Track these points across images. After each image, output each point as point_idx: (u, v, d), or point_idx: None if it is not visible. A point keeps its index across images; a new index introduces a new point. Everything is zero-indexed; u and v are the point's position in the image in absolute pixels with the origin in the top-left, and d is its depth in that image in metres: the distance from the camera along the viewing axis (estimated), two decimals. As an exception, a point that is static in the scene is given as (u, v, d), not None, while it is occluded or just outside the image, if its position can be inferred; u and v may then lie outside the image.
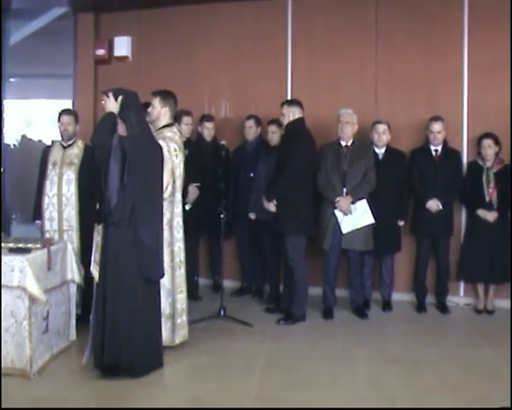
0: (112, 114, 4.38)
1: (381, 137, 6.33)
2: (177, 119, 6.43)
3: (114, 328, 4.32)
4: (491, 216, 6.17)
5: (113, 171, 4.25)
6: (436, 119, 6.29)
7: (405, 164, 6.44)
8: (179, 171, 4.95)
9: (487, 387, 4.36)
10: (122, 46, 7.59)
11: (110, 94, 4.42)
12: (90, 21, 7.65)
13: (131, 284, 4.33)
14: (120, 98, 4.39)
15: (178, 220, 4.98)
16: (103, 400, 4.11)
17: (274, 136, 6.51)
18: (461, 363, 4.87)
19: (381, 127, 6.33)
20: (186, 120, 6.59)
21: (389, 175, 6.23)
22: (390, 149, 6.40)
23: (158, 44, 7.55)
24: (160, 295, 4.65)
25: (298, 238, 5.86)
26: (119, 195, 4.23)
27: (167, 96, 5.12)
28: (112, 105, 4.40)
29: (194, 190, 6.38)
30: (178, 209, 4.98)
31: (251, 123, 6.79)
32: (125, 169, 4.24)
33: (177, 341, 5.01)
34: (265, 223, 6.20)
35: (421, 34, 6.80)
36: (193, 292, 6.54)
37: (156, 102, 5.05)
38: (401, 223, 6.44)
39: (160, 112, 5.04)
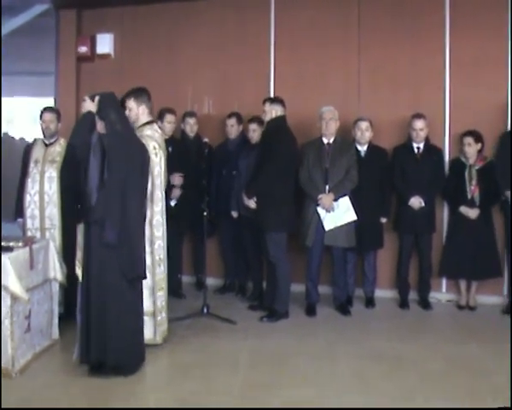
0: (89, 112, 4.41)
1: (364, 134, 6.35)
2: (160, 116, 6.44)
3: (99, 326, 4.33)
4: (473, 213, 6.21)
5: (93, 168, 4.24)
6: (418, 116, 6.33)
7: (388, 161, 6.47)
8: (158, 169, 4.93)
9: (471, 382, 4.40)
10: (104, 43, 7.57)
11: (86, 97, 4.47)
12: (72, 18, 7.61)
13: (114, 283, 4.33)
14: (97, 98, 4.40)
15: (158, 218, 4.96)
16: (87, 399, 4.10)
17: (255, 134, 6.48)
18: (444, 359, 4.91)
19: (364, 124, 6.36)
20: (169, 118, 6.58)
21: (371, 172, 6.26)
22: (372, 147, 6.43)
23: (141, 42, 7.52)
24: (142, 294, 4.65)
25: (278, 235, 5.87)
26: (99, 192, 4.21)
27: (140, 93, 5.09)
28: (89, 106, 4.42)
29: (178, 179, 6.39)
30: (158, 207, 4.95)
31: (232, 121, 6.78)
32: (104, 166, 4.23)
33: (158, 337, 5.02)
34: (248, 220, 6.20)
35: (403, 32, 6.82)
36: (176, 290, 6.55)
37: (131, 103, 5.01)
38: (384, 220, 6.47)
39: (137, 112, 5.01)
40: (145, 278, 4.62)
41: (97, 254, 4.31)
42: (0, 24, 7.39)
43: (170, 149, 6.09)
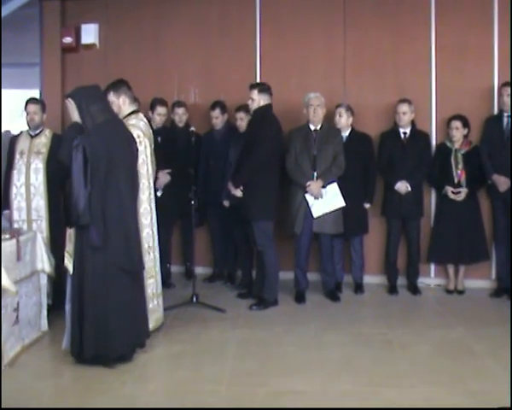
0: (75, 123, 4.39)
1: (339, 120, 6.40)
2: (151, 107, 6.46)
3: (94, 320, 4.31)
4: (456, 194, 6.25)
5: (76, 171, 4.20)
6: (403, 100, 6.38)
7: (371, 146, 6.50)
8: (144, 157, 4.89)
9: (460, 366, 4.42)
10: (89, 34, 7.49)
11: (70, 100, 4.42)
12: (56, 9, 7.52)
13: (110, 276, 4.32)
14: (74, 103, 4.38)
15: (146, 207, 4.93)
16: (75, 389, 4.09)
17: (242, 122, 6.49)
18: (433, 343, 4.93)
19: (338, 110, 6.44)
20: (159, 109, 6.59)
21: (353, 157, 6.22)
22: (354, 132, 6.46)
23: (125, 31, 7.46)
24: (143, 283, 4.70)
25: (264, 223, 5.86)
26: (85, 197, 4.18)
27: (118, 85, 5.05)
28: (75, 113, 4.40)
29: (164, 176, 6.35)
30: (145, 196, 4.91)
31: (216, 113, 6.77)
32: (87, 169, 4.19)
33: (151, 325, 4.97)
34: (237, 209, 6.19)
35: (389, 18, 6.82)
36: (165, 279, 6.52)
37: (111, 96, 4.96)
38: (367, 205, 6.50)
39: (118, 104, 4.96)
40: (144, 268, 4.65)
41: (91, 251, 4.27)
42: (0, 17, 7.32)
43: (159, 139, 6.15)
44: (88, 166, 4.17)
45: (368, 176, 6.43)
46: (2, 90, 7.62)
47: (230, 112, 6.80)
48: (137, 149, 4.70)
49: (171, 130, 6.82)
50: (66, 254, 4.52)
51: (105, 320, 4.33)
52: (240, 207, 6.00)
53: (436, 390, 4.01)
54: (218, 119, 6.77)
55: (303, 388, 4.09)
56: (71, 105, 4.41)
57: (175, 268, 7.18)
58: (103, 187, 4.24)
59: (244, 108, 6.40)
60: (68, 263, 4.48)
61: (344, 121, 6.39)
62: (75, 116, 4.40)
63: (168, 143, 6.51)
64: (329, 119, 6.41)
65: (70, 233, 4.48)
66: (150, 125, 6.18)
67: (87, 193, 4.16)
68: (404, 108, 6.33)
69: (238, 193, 5.93)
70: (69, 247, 4.50)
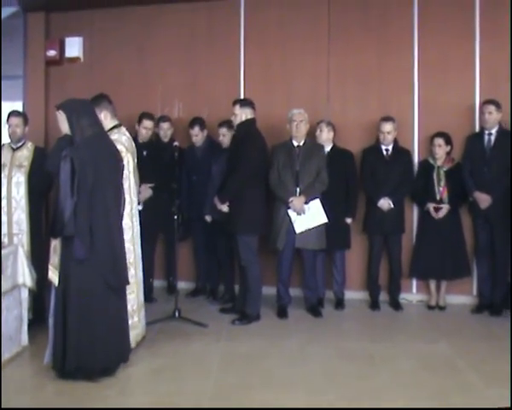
0: (65, 136, 4.39)
1: (320, 135, 6.44)
2: (139, 120, 6.47)
3: (77, 333, 4.29)
4: (438, 211, 6.28)
5: (63, 183, 4.20)
6: (387, 119, 6.39)
7: (352, 162, 6.51)
8: (126, 172, 4.86)
9: (442, 380, 4.44)
10: (73, 47, 7.50)
11: (61, 111, 4.41)
12: (40, 21, 7.53)
13: (95, 290, 4.30)
14: (64, 114, 4.38)
15: (126, 222, 4.88)
16: (59, 404, 4.05)
17: (225, 138, 6.53)
18: (415, 358, 4.95)
19: (319, 125, 6.49)
20: (146, 123, 6.61)
21: (334, 173, 6.22)
22: (335, 148, 6.49)
23: (110, 45, 7.47)
24: (125, 298, 4.67)
25: (249, 238, 5.87)
26: (71, 206, 4.17)
27: (98, 100, 5.05)
28: (64, 125, 4.38)
29: (145, 190, 6.34)
30: (126, 211, 4.84)
31: (196, 131, 6.75)
32: (74, 181, 4.19)
33: (131, 341, 4.93)
34: (220, 224, 6.19)
35: (373, 34, 6.86)
36: (147, 294, 6.50)
37: None
38: (348, 220, 6.49)
39: (100, 119, 4.95)
40: (128, 283, 4.62)
41: (76, 263, 4.26)
42: (0, 27, 7.29)
43: (145, 152, 6.20)
44: (75, 177, 4.17)
45: (349, 191, 6.44)
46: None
47: (214, 126, 6.80)
48: (123, 165, 4.70)
49: (155, 144, 6.81)
50: (50, 267, 4.47)
51: (89, 333, 4.31)
52: (224, 222, 6.01)
53: (418, 404, 4.02)
54: (197, 136, 6.77)
55: (286, 401, 4.09)
56: (61, 116, 4.40)
57: (157, 283, 7.15)
58: (90, 200, 4.23)
59: (227, 123, 6.42)
60: (53, 275, 4.43)
61: (325, 136, 6.42)
62: (64, 127, 4.40)
63: (153, 158, 6.50)
64: (312, 134, 6.43)
65: (55, 245, 4.45)
66: (136, 139, 6.20)
67: (73, 203, 4.15)
68: (388, 127, 6.35)
69: (224, 209, 5.93)
70: (54, 259, 4.45)
